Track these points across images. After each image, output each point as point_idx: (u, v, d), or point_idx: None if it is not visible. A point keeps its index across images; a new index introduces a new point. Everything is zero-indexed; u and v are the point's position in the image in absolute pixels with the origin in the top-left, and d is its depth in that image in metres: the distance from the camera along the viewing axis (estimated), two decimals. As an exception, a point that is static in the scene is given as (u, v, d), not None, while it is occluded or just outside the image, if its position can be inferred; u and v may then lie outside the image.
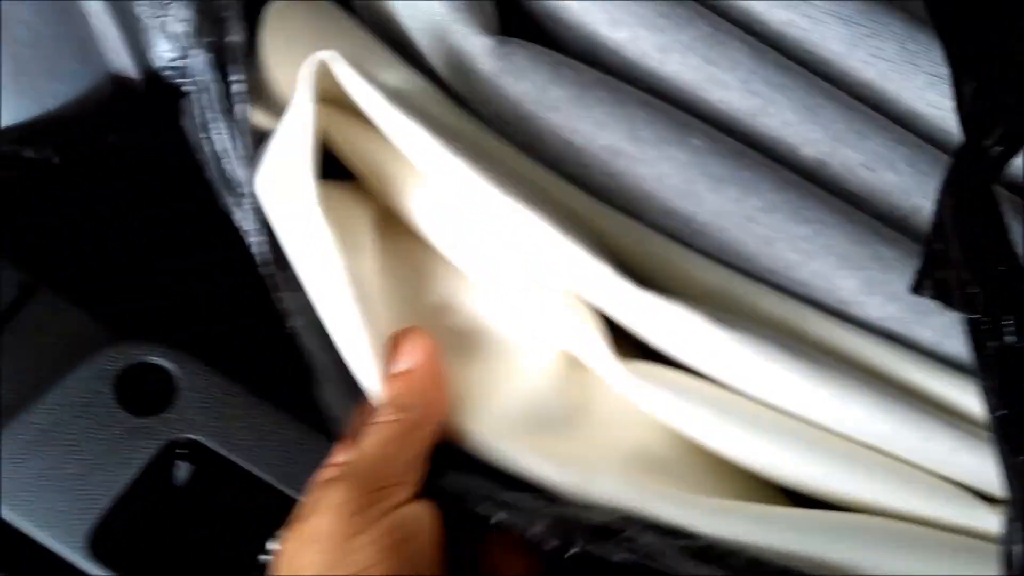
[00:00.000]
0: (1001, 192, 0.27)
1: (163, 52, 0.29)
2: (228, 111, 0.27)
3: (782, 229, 0.26)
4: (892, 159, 0.28)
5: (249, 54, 0.28)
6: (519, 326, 0.28)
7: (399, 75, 0.29)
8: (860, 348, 0.26)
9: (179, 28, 0.28)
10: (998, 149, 0.24)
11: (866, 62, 0.29)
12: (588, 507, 0.24)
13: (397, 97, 0.25)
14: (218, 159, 0.28)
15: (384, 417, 0.24)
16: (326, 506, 0.22)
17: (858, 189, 0.28)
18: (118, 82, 0.40)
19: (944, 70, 0.25)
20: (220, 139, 0.28)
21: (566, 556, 0.23)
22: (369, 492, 0.22)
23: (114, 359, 0.33)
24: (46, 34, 0.37)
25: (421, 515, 0.23)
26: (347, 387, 0.25)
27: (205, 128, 0.28)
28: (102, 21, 0.38)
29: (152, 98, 0.41)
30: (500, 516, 0.23)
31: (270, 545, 0.25)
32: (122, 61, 0.40)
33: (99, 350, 0.34)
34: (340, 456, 0.25)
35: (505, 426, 0.25)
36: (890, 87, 0.29)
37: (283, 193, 0.25)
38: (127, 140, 0.39)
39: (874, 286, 0.26)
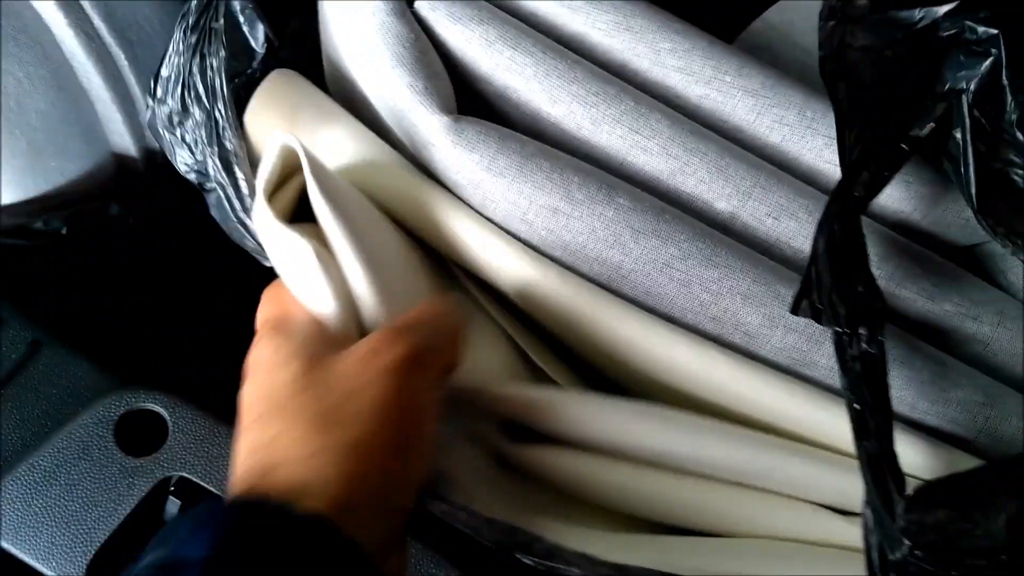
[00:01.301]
0: (867, 222, 0.32)
1: (183, 159, 0.34)
2: (239, 198, 0.33)
3: (695, 273, 0.30)
4: (794, 209, 0.32)
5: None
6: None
7: (367, 145, 0.33)
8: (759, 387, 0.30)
9: (191, 139, 0.33)
10: (863, 191, 0.28)
11: (771, 128, 0.34)
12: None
13: (335, 178, 0.29)
14: (242, 236, 0.33)
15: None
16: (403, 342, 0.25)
17: (766, 236, 0.32)
18: (120, 160, 0.45)
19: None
20: (236, 225, 0.33)
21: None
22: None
23: (113, 405, 0.37)
24: (57, 119, 0.42)
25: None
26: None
27: (225, 213, 0.33)
28: (107, 107, 0.43)
29: (149, 175, 0.46)
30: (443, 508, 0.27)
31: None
32: (124, 142, 0.44)
33: (100, 398, 0.37)
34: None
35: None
36: (792, 148, 0.34)
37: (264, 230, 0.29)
38: (127, 211, 0.43)
39: (775, 320, 0.30)
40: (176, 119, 0.36)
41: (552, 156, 0.32)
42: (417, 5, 0.33)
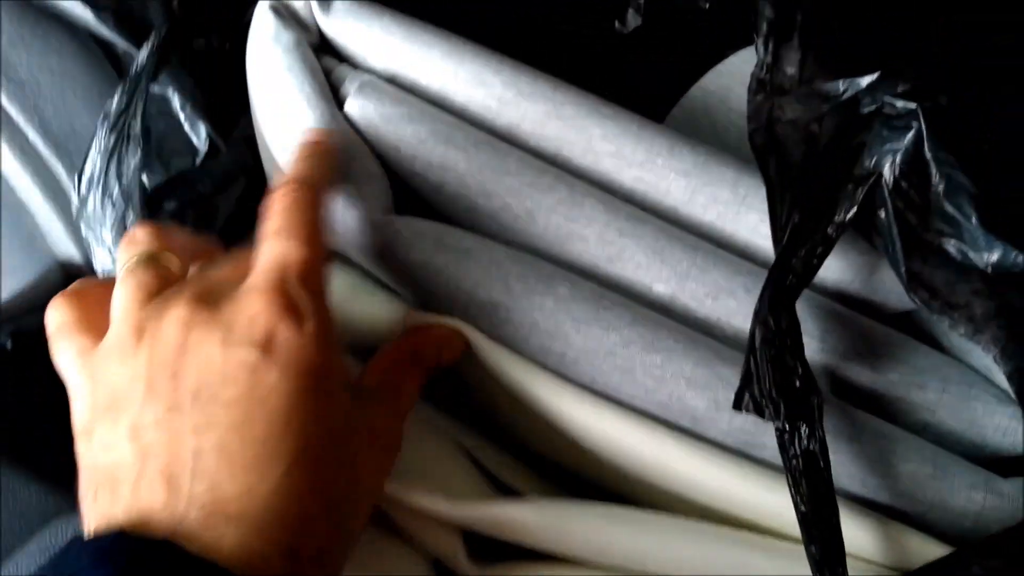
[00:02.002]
0: (806, 292, 0.32)
1: (100, 260, 0.34)
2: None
3: (638, 359, 0.30)
4: (732, 288, 0.32)
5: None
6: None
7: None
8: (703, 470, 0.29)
9: (111, 238, 0.32)
10: (795, 279, 0.29)
11: (705, 206, 0.34)
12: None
13: None
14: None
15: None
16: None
17: (706, 316, 0.32)
18: (64, 267, 0.45)
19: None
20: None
21: None
22: None
23: (63, 532, 0.36)
24: (-4, 235, 0.41)
25: None
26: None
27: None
28: (48, 217, 0.43)
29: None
30: None
31: None
32: (67, 249, 0.44)
33: (49, 524, 0.36)
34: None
35: None
36: (728, 226, 0.34)
37: None
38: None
39: (720, 404, 0.30)
40: (95, 220, 0.36)
41: (489, 249, 0.32)
42: (347, 109, 0.33)
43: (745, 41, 0.43)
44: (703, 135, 0.42)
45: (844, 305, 0.34)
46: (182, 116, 0.43)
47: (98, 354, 0.24)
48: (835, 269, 0.34)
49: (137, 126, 0.35)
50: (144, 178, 0.40)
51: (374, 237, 0.31)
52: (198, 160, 0.43)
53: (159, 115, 0.43)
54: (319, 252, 0.25)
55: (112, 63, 0.45)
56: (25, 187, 0.42)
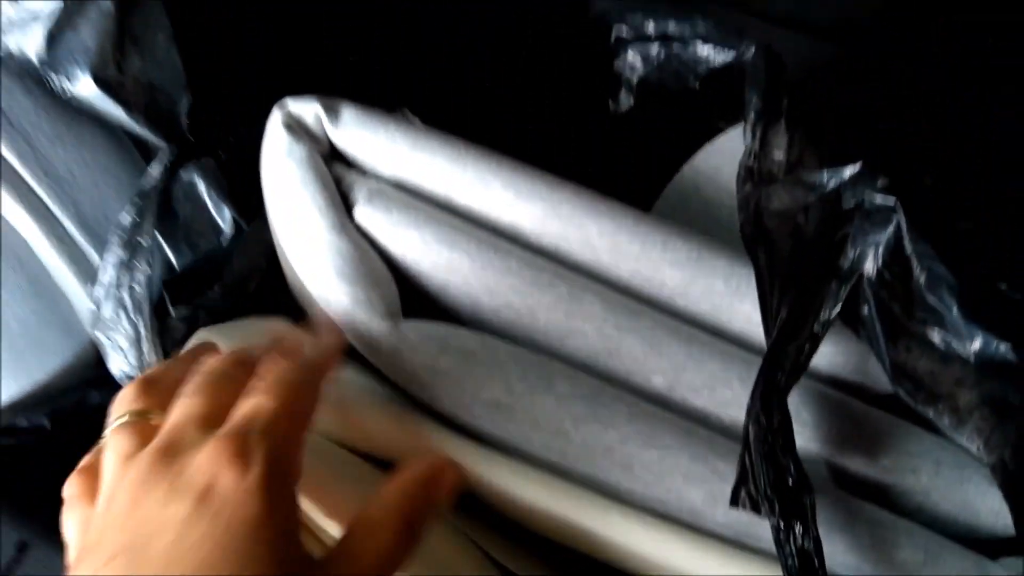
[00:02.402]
0: (803, 382, 0.33)
1: (116, 364, 0.36)
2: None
3: (636, 456, 0.32)
4: (727, 379, 0.34)
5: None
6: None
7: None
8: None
9: (125, 345, 0.35)
10: (784, 379, 0.30)
11: (700, 298, 0.36)
12: None
13: None
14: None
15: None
16: None
17: (703, 407, 0.34)
18: (97, 350, 0.47)
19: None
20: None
21: None
22: None
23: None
24: (35, 323, 0.44)
25: None
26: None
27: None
28: (83, 302, 0.45)
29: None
30: None
31: None
32: (101, 332, 0.46)
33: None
34: None
35: None
36: (723, 316, 0.36)
37: None
38: (107, 400, 0.45)
39: (716, 497, 0.31)
40: (110, 325, 0.39)
41: (492, 350, 0.33)
42: (357, 217, 0.35)
43: (734, 119, 0.45)
44: (695, 213, 0.44)
45: (838, 389, 0.35)
46: (207, 199, 0.46)
47: (83, 518, 0.25)
48: (828, 355, 0.35)
49: (147, 241, 0.37)
50: (172, 258, 0.42)
51: (382, 341, 0.33)
52: (224, 241, 0.45)
53: (186, 199, 0.46)
54: (294, 409, 0.25)
55: (142, 154, 0.48)
56: (63, 273, 0.45)
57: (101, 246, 0.45)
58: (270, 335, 0.30)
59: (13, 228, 0.43)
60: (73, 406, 0.45)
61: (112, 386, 0.46)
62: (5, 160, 0.43)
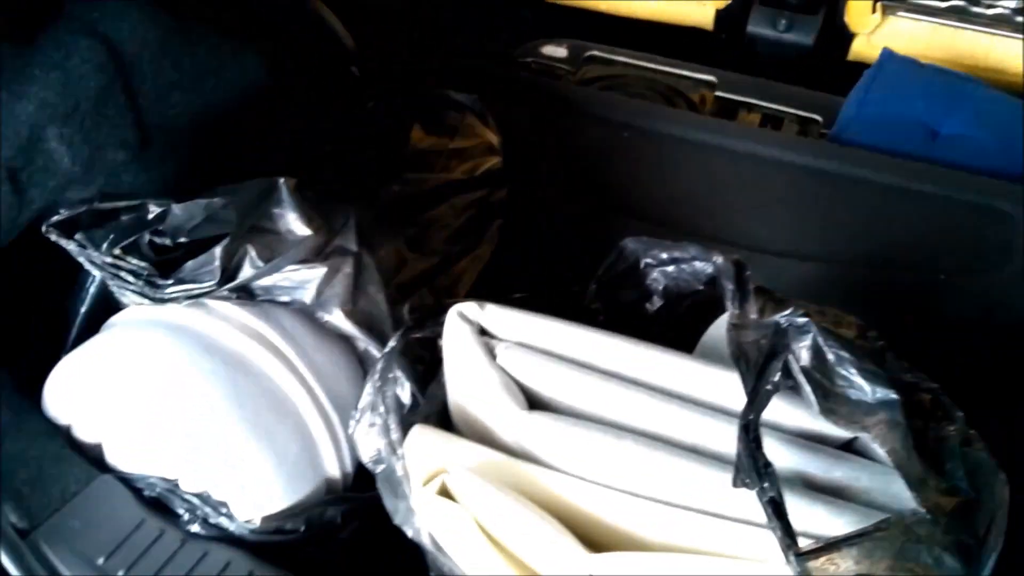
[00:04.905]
0: (776, 434, 0.56)
1: (368, 453, 0.61)
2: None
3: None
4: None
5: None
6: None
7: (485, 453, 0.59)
8: None
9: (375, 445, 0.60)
10: (754, 414, 0.53)
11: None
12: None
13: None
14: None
15: None
16: None
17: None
18: (329, 481, 0.72)
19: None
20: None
21: None
22: None
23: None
24: (299, 459, 0.69)
25: None
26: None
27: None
28: (327, 447, 0.71)
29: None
30: None
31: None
32: (332, 464, 0.71)
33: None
34: None
35: None
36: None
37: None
38: (341, 513, 0.69)
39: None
40: (366, 432, 0.64)
41: (607, 431, 0.57)
42: (499, 361, 0.61)
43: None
44: (715, 358, 0.68)
45: (805, 439, 0.57)
46: (404, 378, 0.73)
47: None
48: (792, 415, 0.57)
49: (395, 375, 0.64)
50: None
51: (510, 429, 0.58)
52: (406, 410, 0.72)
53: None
54: None
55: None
56: (318, 427, 0.71)
57: (340, 412, 0.72)
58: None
59: (288, 396, 0.70)
60: (317, 516, 0.68)
61: (341, 503, 0.70)
62: (287, 358, 0.71)
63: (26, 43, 0.76)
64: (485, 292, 0.93)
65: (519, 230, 1.02)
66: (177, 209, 0.70)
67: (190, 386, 0.67)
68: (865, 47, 1.58)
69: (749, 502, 0.52)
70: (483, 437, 0.60)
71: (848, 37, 1.58)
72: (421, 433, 0.60)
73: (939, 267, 0.96)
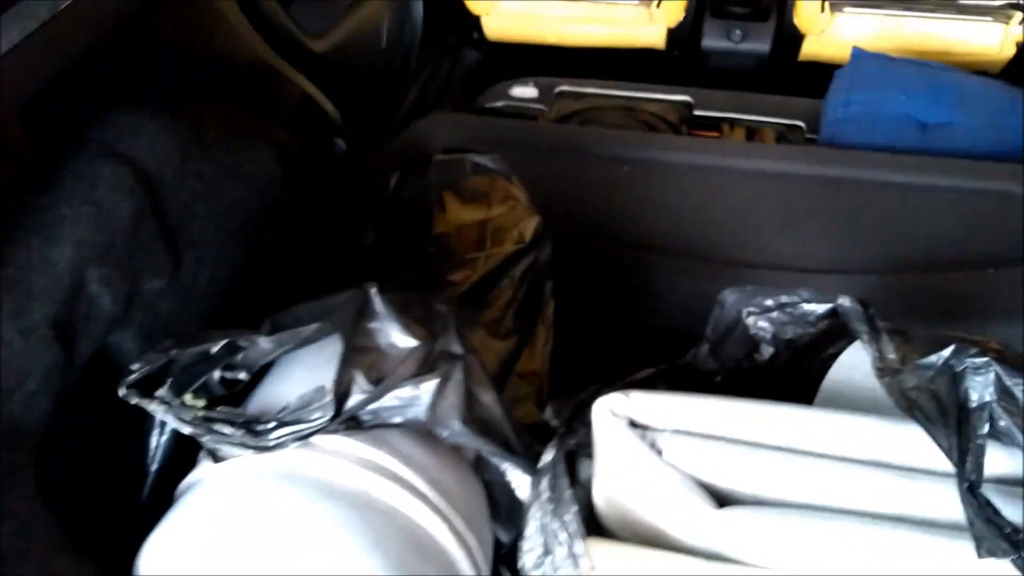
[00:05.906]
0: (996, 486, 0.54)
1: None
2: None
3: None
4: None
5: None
6: None
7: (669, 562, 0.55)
8: None
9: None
10: (973, 470, 0.51)
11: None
12: None
13: None
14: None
15: None
16: None
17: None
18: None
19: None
20: None
21: None
22: None
23: None
24: None
25: None
26: None
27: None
28: (464, 567, 0.65)
29: None
30: None
31: None
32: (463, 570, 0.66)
33: None
34: None
35: None
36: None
37: None
38: None
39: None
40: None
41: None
42: (664, 456, 0.58)
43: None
44: (842, 405, 0.65)
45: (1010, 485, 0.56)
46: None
47: None
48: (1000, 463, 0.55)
49: (568, 493, 0.59)
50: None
51: (709, 530, 0.54)
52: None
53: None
54: None
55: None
56: (455, 550, 0.64)
57: (475, 533, 0.66)
58: None
59: (426, 531, 0.64)
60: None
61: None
62: (415, 488, 0.65)
63: (49, 180, 0.67)
64: (566, 365, 0.89)
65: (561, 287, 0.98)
66: (265, 342, 0.63)
67: (319, 540, 0.59)
68: (815, 46, 1.63)
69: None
70: (657, 541, 0.57)
71: (798, 38, 1.62)
72: (608, 550, 0.55)
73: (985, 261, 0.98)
